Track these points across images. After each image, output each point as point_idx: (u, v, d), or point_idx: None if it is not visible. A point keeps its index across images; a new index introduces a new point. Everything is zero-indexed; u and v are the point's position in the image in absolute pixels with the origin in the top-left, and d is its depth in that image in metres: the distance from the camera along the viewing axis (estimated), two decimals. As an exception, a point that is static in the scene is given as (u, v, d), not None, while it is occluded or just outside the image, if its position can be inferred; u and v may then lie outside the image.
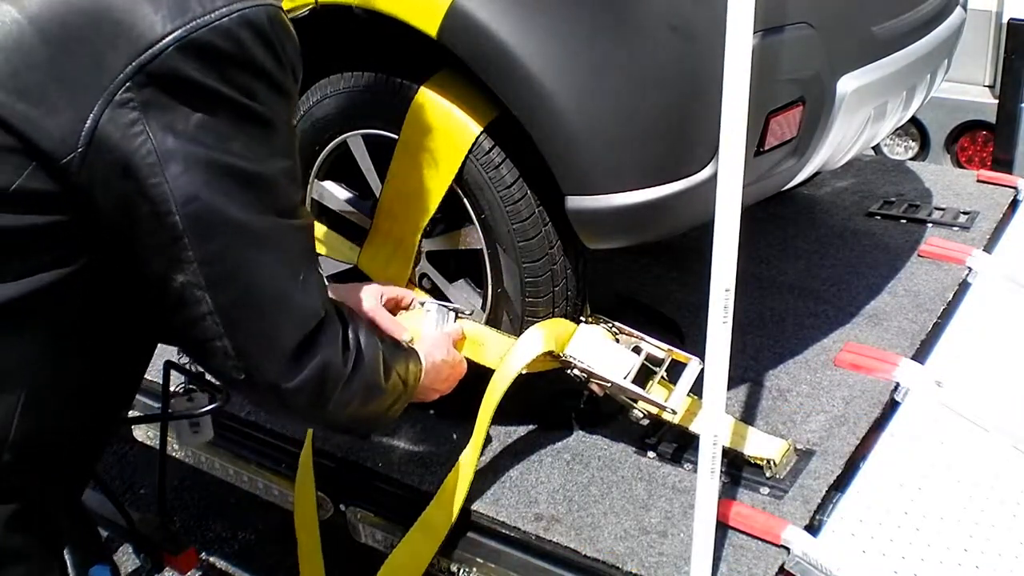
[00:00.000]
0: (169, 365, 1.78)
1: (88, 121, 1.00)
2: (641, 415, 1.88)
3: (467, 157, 1.80)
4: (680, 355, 1.89)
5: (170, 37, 1.02)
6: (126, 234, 1.07)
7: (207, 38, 1.04)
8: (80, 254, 1.08)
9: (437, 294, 2.05)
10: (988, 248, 2.76)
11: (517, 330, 1.91)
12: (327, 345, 1.21)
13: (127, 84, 1.01)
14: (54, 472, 1.21)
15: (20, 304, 1.05)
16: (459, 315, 1.83)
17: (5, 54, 1.01)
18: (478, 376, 1.79)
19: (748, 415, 2.05)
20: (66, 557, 1.21)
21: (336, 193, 2.10)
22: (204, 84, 1.04)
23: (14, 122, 1.00)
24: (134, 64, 1.01)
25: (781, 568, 1.67)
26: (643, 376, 1.86)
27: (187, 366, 1.77)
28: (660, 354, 1.89)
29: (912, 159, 4.18)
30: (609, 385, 1.84)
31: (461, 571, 1.85)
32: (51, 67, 1.01)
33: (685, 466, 1.91)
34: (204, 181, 1.05)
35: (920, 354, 2.24)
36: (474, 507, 1.85)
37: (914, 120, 4.13)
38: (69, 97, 1.01)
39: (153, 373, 1.55)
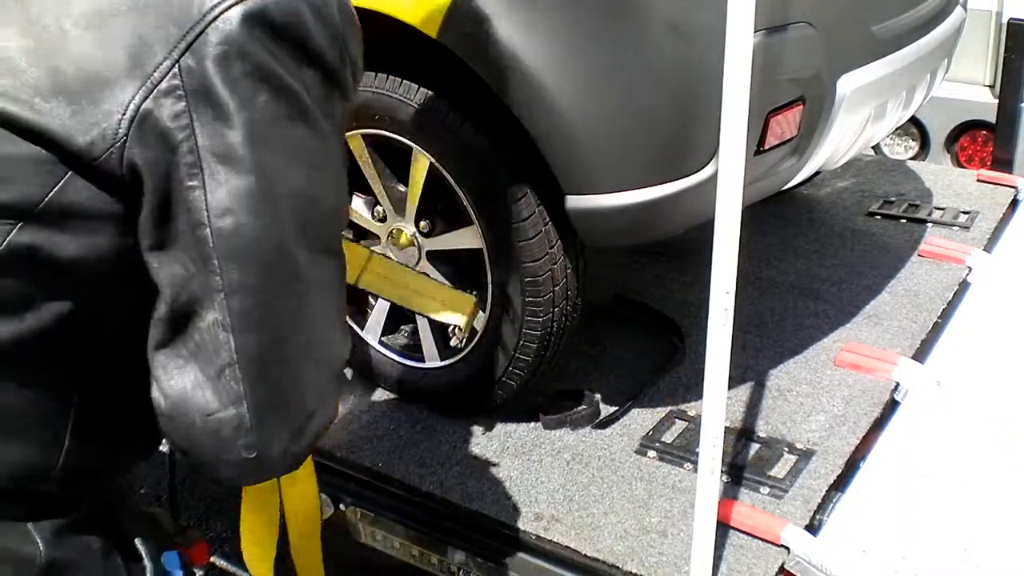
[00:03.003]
0: None
1: (127, 112, 0.86)
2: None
3: (468, 156, 1.80)
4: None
5: (223, 5, 0.87)
6: (164, 248, 0.92)
7: (264, 5, 0.88)
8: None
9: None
10: (988, 248, 2.76)
11: (518, 331, 1.91)
12: (333, 402, 1.04)
13: (173, 70, 0.86)
14: (108, 482, 1.14)
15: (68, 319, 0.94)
16: None
17: (35, 59, 0.89)
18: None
19: (748, 415, 2.05)
20: (140, 549, 1.14)
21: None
22: (260, 63, 0.88)
23: (39, 125, 0.87)
24: (181, 44, 0.87)
25: (781, 568, 1.67)
26: None
27: None
28: None
29: (912, 159, 4.18)
30: None
31: (461, 571, 1.85)
32: (85, 59, 0.88)
33: (685, 466, 1.91)
34: (246, 193, 0.89)
35: (920, 354, 2.24)
36: (474, 507, 1.85)
37: (914, 120, 4.13)
38: (105, 90, 0.87)
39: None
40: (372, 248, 2.10)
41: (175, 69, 0.87)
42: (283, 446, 0.95)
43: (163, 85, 0.87)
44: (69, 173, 0.89)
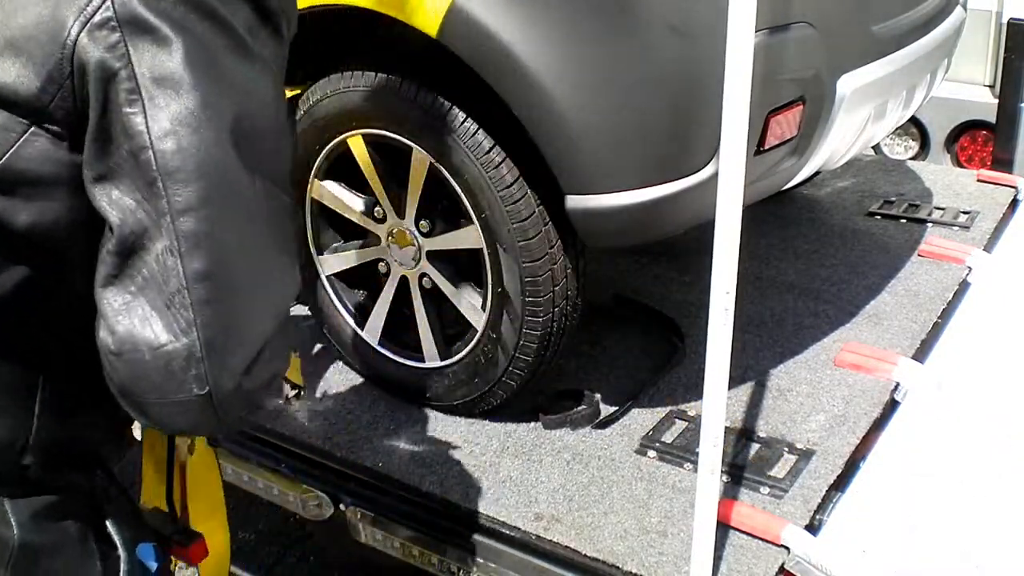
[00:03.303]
0: None
1: (67, 49, 0.89)
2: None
3: (468, 156, 1.80)
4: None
5: None
6: (109, 178, 0.92)
7: None
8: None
9: (437, 293, 2.06)
10: (988, 248, 2.76)
11: (518, 331, 1.91)
12: (284, 346, 1.02)
13: (106, 3, 0.89)
14: (88, 460, 1.14)
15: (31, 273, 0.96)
16: None
17: None
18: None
19: (748, 415, 2.05)
20: (115, 537, 1.14)
21: (336, 193, 2.10)
22: None
23: None
24: None
25: (781, 568, 1.67)
26: None
27: None
28: None
29: (912, 159, 4.17)
30: None
31: (461, 571, 1.85)
32: (26, 8, 0.91)
33: (685, 466, 1.91)
34: (187, 114, 0.90)
35: (920, 354, 2.24)
36: (474, 507, 1.85)
37: (914, 120, 4.12)
38: (46, 34, 0.89)
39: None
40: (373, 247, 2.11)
41: (108, 2, 0.89)
42: (235, 380, 0.93)
43: (97, 18, 0.89)
44: (26, 133, 0.90)
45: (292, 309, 2.67)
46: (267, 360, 0.97)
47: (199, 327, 0.90)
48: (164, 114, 0.89)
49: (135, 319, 0.90)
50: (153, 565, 1.19)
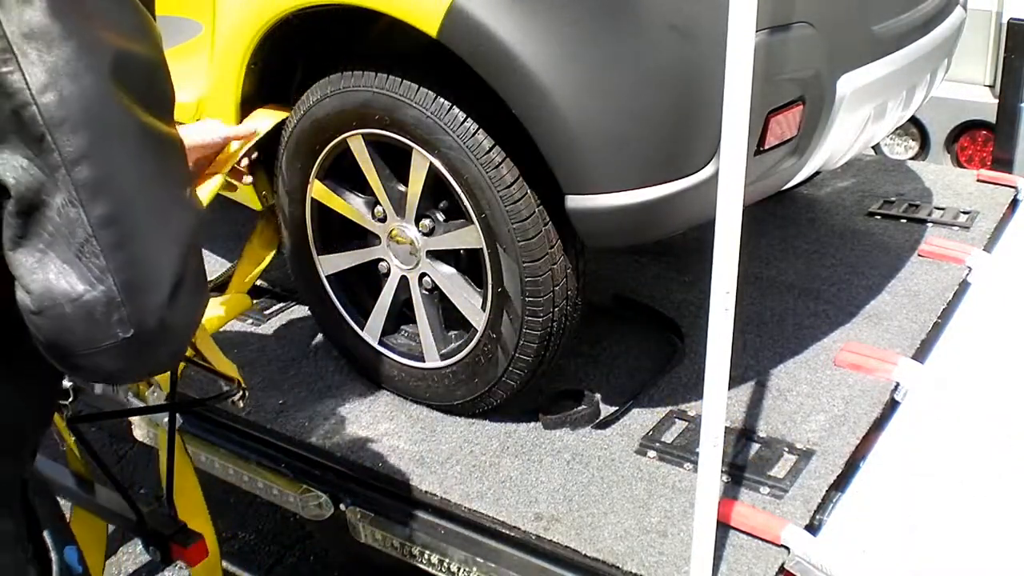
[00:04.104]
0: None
1: None
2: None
3: (468, 156, 1.80)
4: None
5: None
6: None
7: None
8: None
9: (437, 293, 2.06)
10: (988, 248, 2.76)
11: (518, 331, 1.91)
12: (198, 267, 1.02)
13: None
14: (12, 441, 1.11)
15: None
16: None
17: None
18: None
19: (748, 415, 2.05)
20: (47, 538, 1.13)
21: (336, 193, 2.10)
22: None
23: None
24: None
25: (781, 568, 1.67)
26: None
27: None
28: None
29: (912, 159, 4.17)
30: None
31: (461, 571, 1.85)
32: None
33: (685, 466, 1.91)
34: (63, 62, 0.90)
35: (920, 354, 2.24)
36: (474, 507, 1.85)
37: (914, 120, 4.12)
38: None
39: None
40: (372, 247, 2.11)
41: None
42: (157, 317, 0.94)
43: None
44: None
45: (291, 309, 2.68)
46: (186, 294, 0.97)
47: (113, 272, 0.91)
48: (39, 68, 0.89)
49: (49, 275, 0.91)
50: (79, 569, 1.18)
